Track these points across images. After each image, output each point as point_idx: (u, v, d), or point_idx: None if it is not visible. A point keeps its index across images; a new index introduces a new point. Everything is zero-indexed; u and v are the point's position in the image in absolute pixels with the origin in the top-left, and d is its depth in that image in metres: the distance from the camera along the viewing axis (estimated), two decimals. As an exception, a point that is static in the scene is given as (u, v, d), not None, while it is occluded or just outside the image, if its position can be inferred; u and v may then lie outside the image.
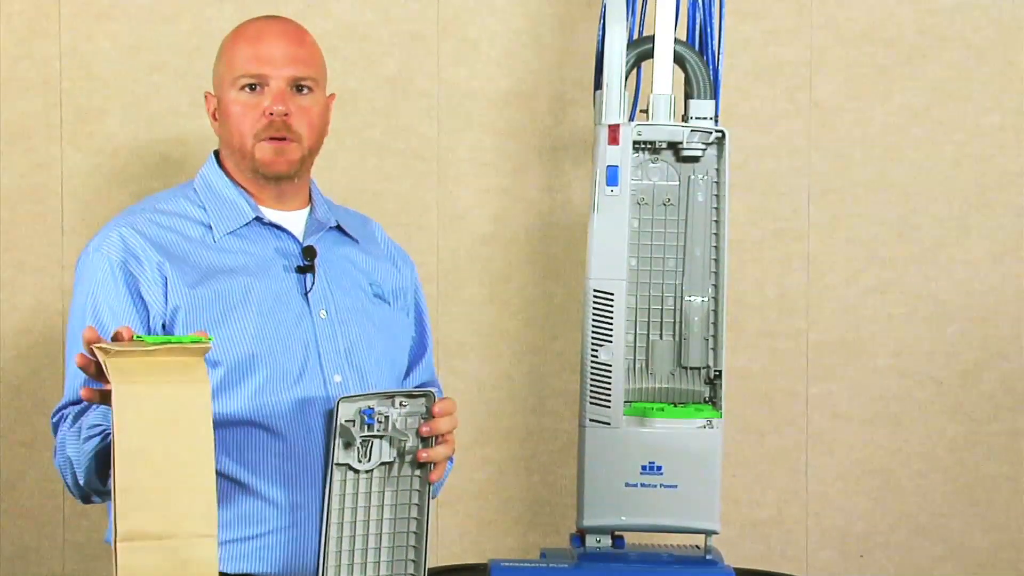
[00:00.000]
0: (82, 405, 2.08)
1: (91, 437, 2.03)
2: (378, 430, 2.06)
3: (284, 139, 2.20)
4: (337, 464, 2.06)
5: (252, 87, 2.20)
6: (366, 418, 2.04)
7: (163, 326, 2.13)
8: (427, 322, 2.44)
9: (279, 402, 2.13)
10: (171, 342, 1.79)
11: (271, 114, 2.19)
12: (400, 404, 2.07)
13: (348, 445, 2.05)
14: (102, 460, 2.03)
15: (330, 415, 2.06)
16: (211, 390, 2.03)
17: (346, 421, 2.04)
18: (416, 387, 2.35)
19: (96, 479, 2.06)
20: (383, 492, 2.09)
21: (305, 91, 2.23)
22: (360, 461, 2.07)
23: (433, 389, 2.10)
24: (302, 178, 2.28)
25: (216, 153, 2.30)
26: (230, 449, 2.12)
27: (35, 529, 3.27)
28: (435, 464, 2.09)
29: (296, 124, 2.20)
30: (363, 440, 2.06)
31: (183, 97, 3.23)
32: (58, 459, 2.12)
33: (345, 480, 2.07)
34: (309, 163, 2.27)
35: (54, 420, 2.17)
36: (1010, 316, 3.39)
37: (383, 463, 2.08)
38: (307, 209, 2.29)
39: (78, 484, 2.09)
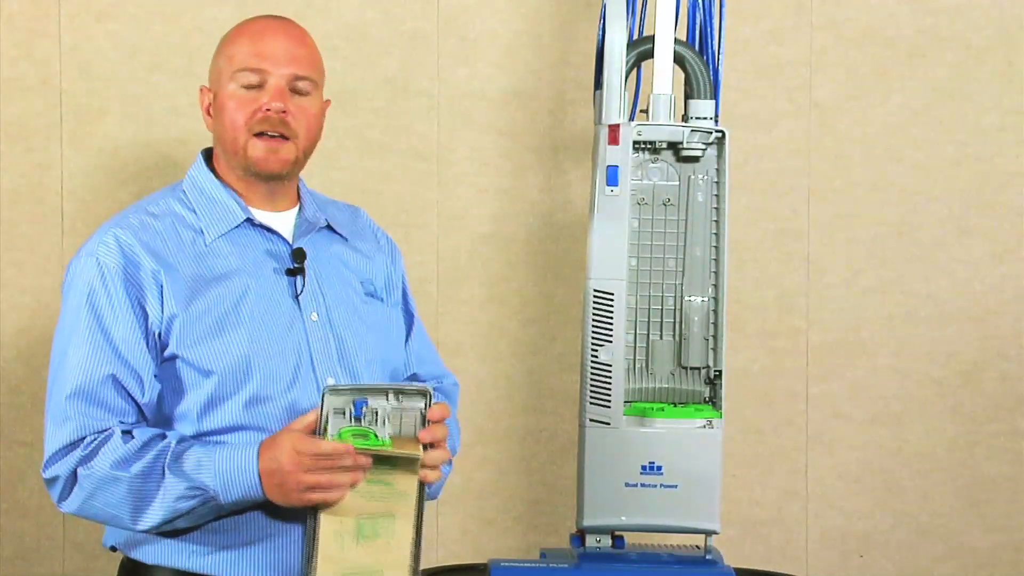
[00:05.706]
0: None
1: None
2: (367, 424, 2.01)
3: (279, 137, 2.18)
4: None
5: (251, 83, 2.17)
6: (354, 410, 2.01)
7: (159, 335, 2.11)
8: (411, 299, 2.41)
9: (273, 408, 2.12)
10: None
11: (267, 110, 2.16)
12: (396, 398, 2.03)
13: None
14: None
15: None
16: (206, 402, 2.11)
17: (335, 411, 2.00)
18: (411, 380, 2.33)
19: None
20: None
21: (303, 92, 2.20)
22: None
23: (428, 384, 2.07)
24: (292, 178, 2.26)
25: (204, 153, 2.28)
26: None
27: (35, 529, 3.27)
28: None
29: (293, 123, 2.18)
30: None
31: (183, 97, 3.22)
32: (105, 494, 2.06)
33: None
34: (301, 165, 2.25)
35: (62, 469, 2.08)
36: (1010, 316, 3.39)
37: None
38: (296, 208, 2.27)
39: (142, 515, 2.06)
